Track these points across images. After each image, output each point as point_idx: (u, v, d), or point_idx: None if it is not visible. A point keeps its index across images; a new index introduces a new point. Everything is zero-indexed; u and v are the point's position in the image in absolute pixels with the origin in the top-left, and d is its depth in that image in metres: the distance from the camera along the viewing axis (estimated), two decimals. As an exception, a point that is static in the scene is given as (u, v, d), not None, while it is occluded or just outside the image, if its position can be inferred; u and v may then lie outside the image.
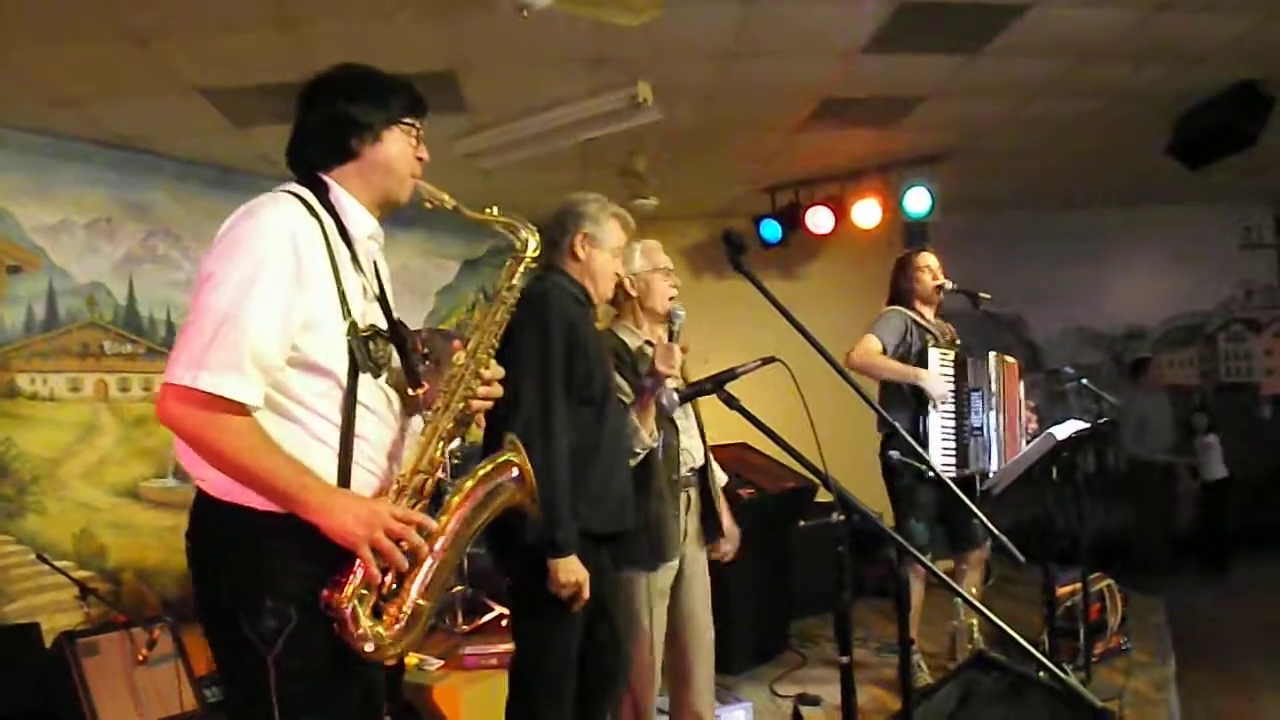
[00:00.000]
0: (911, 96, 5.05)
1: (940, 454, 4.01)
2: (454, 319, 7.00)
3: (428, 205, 1.91)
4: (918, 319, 4.24)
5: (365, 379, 1.74)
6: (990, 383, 4.09)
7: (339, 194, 1.80)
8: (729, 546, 3.28)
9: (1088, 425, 3.92)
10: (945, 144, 5.91)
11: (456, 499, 1.79)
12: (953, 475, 3.94)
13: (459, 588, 4.40)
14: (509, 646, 3.80)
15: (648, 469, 2.90)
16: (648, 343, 3.09)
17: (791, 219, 6.69)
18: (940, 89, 4.90)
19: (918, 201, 6.15)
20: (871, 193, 6.37)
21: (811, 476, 2.11)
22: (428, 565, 1.70)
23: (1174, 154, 5.31)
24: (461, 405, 1.83)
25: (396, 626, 1.67)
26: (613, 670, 2.82)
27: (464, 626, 4.30)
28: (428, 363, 2.00)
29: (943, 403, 4.00)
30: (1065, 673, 3.66)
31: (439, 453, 1.79)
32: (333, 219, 1.76)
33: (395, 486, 1.74)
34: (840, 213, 6.49)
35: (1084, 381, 4.42)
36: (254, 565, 1.62)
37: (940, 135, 5.74)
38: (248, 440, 1.59)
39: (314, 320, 1.67)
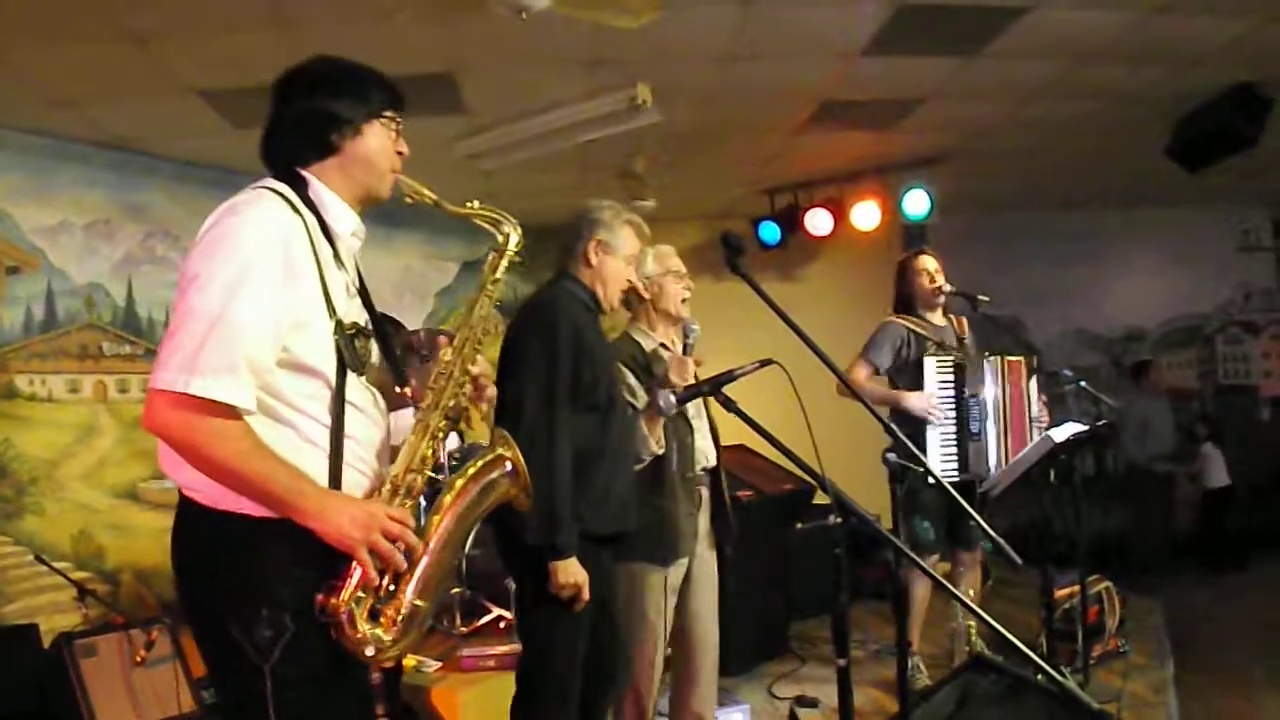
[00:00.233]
0: (910, 98, 5.05)
1: (940, 460, 4.05)
2: (453, 320, 7.00)
3: (408, 200, 1.88)
4: (915, 327, 4.25)
5: (352, 378, 1.71)
6: (987, 388, 4.09)
7: (319, 190, 1.76)
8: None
9: (1086, 428, 3.92)
10: (944, 146, 5.92)
11: (450, 497, 1.78)
12: (954, 480, 3.96)
13: (457, 590, 4.40)
14: (507, 648, 3.82)
15: (661, 467, 2.95)
16: (662, 345, 3.15)
17: (790, 221, 6.69)
18: (939, 91, 4.91)
19: (916, 203, 6.16)
20: (870, 195, 6.37)
21: (809, 479, 2.11)
22: (424, 566, 1.69)
23: (1172, 156, 5.31)
24: (452, 403, 1.82)
25: (395, 628, 1.65)
26: (611, 672, 2.85)
27: (462, 628, 4.29)
28: (427, 362, 2.00)
29: (932, 418, 4.06)
30: (1063, 675, 3.66)
31: (430, 450, 1.77)
32: (314, 215, 1.72)
33: (389, 486, 1.72)
34: (839, 215, 6.49)
35: (1082, 384, 4.41)
36: (248, 573, 1.59)
37: (939, 137, 5.75)
38: (241, 445, 1.55)
39: (302, 320, 1.64)
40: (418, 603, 1.68)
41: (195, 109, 4.49)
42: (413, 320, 6.29)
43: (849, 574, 2.10)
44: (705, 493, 3.22)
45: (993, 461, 4.05)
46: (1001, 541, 2.32)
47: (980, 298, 4.32)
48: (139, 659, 3.58)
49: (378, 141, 1.82)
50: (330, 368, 1.68)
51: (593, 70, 4.40)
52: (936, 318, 4.33)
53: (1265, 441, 7.76)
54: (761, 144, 5.79)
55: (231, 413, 1.55)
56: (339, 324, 1.69)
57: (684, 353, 2.97)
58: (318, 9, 3.64)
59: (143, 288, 5.22)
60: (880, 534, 2.08)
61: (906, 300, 4.35)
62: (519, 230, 1.97)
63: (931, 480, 2.92)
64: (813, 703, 4.15)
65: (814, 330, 2.29)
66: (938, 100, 5.03)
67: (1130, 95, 4.95)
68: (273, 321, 1.59)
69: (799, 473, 2.15)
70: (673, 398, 2.43)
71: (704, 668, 3.24)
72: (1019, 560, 2.38)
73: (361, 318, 1.80)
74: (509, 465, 1.89)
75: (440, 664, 3.88)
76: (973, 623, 4.22)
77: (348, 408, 1.70)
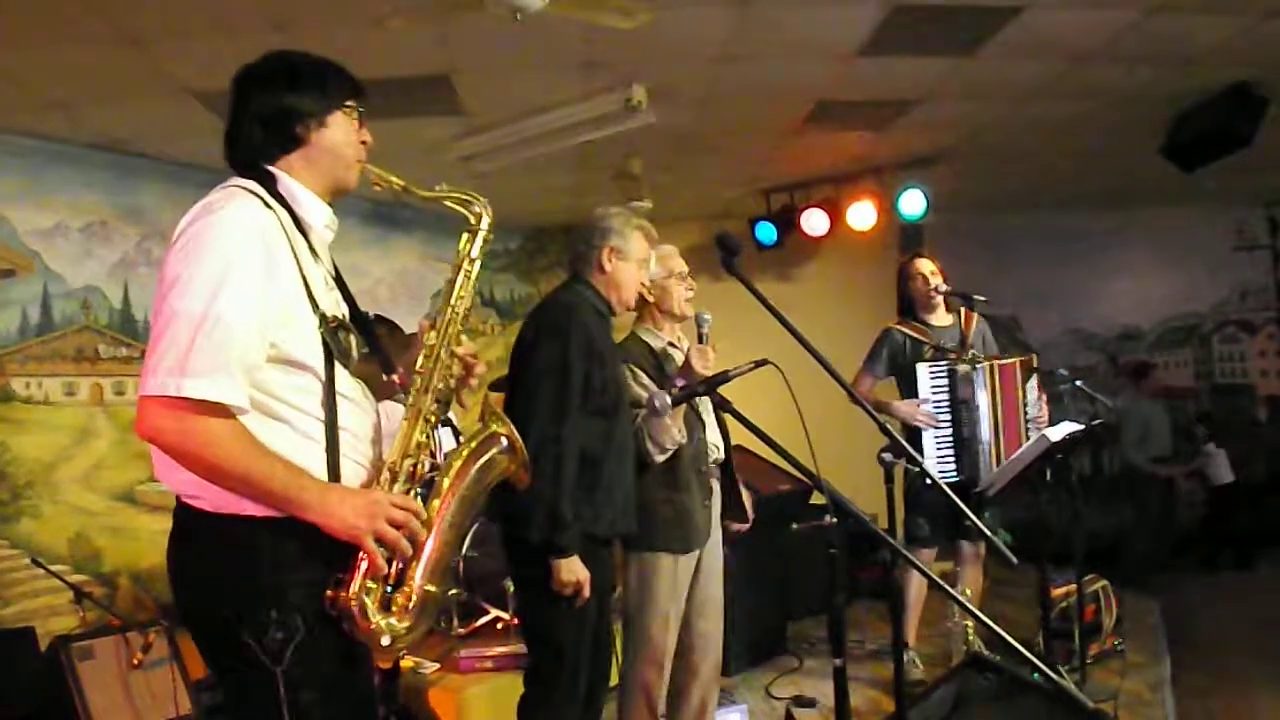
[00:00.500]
0: (906, 99, 5.05)
1: (935, 462, 4.13)
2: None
3: (376, 188, 1.88)
4: (913, 332, 4.34)
5: (341, 370, 1.71)
6: (979, 394, 4.12)
7: (289, 184, 1.76)
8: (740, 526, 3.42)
9: (1082, 427, 3.94)
10: (940, 146, 5.92)
11: (448, 481, 1.78)
12: (950, 480, 4.01)
13: (454, 591, 4.40)
14: (505, 649, 3.83)
15: (675, 461, 3.02)
16: (670, 344, 3.22)
17: (787, 221, 6.69)
18: (935, 91, 4.91)
19: (912, 204, 6.16)
20: (866, 195, 6.37)
21: (805, 479, 2.11)
22: (430, 550, 1.69)
23: (1168, 156, 5.31)
24: (441, 385, 1.82)
25: (407, 616, 1.65)
26: (606, 671, 2.90)
27: (460, 629, 4.29)
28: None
29: (921, 424, 4.15)
30: (1060, 674, 3.66)
31: (424, 435, 1.77)
32: (286, 210, 1.71)
33: (387, 474, 1.72)
34: (835, 215, 6.49)
35: (1079, 383, 4.43)
36: (255, 576, 1.58)
37: (935, 137, 5.75)
38: (238, 445, 1.54)
39: (287, 315, 1.63)
40: (428, 588, 1.68)
41: (191, 111, 4.48)
42: (409, 323, 6.28)
43: (845, 574, 2.10)
44: (716, 486, 3.27)
45: (983, 465, 4.10)
46: (997, 540, 2.33)
47: (977, 298, 4.36)
48: (136, 662, 3.58)
49: (342, 132, 1.82)
50: (318, 361, 1.68)
51: (589, 72, 4.40)
52: (938, 318, 4.39)
53: (1263, 441, 7.76)
54: (757, 145, 5.79)
55: (225, 413, 1.54)
56: (323, 317, 1.69)
57: (700, 341, 3.01)
58: (313, 10, 3.64)
59: (139, 290, 5.20)
60: (876, 534, 2.08)
61: (908, 304, 4.45)
62: (489, 210, 1.97)
63: (929, 481, 2.95)
64: (810, 703, 4.16)
65: (811, 330, 2.30)
66: (933, 100, 5.03)
67: (1126, 95, 4.96)
68: (258, 318, 1.58)
69: (795, 473, 2.15)
70: (668, 398, 2.45)
71: (708, 660, 3.27)
72: (1014, 560, 2.39)
73: (341, 309, 1.79)
74: (505, 441, 1.88)
75: (438, 665, 3.88)
76: (970, 622, 4.23)
77: (339, 400, 1.70)
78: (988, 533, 2.37)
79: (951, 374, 4.16)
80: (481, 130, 5.03)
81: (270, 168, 1.77)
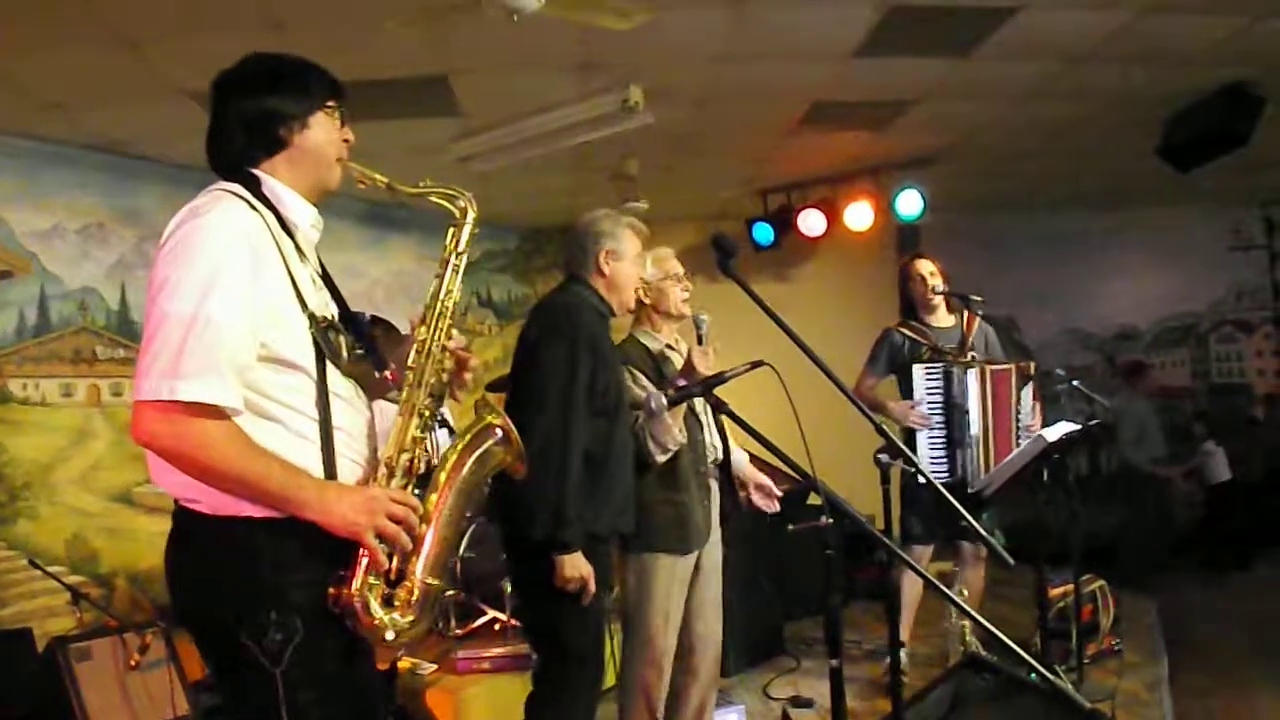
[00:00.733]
0: (902, 99, 5.06)
1: (929, 461, 4.14)
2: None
3: (360, 185, 1.89)
4: (912, 333, 4.35)
5: (332, 368, 1.71)
6: (970, 398, 4.14)
7: (273, 185, 1.76)
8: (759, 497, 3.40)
9: (1079, 427, 3.94)
10: (936, 146, 5.93)
11: (444, 474, 1.78)
12: (943, 481, 4.02)
13: (451, 592, 4.40)
14: (502, 650, 3.83)
15: (675, 462, 3.03)
16: (668, 346, 3.23)
17: (784, 222, 6.70)
18: (931, 92, 4.92)
19: (909, 204, 6.18)
20: (863, 195, 6.39)
21: (802, 480, 2.12)
22: (430, 543, 1.70)
23: (1164, 156, 5.32)
24: (434, 379, 1.82)
25: (410, 610, 1.66)
26: (599, 673, 2.88)
27: (457, 630, 4.29)
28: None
29: (914, 425, 4.18)
30: (1057, 674, 3.67)
31: (419, 430, 1.78)
32: (271, 212, 1.72)
33: (384, 469, 1.73)
34: (832, 215, 6.51)
35: (1075, 383, 4.44)
36: (254, 578, 1.58)
37: (931, 138, 5.76)
38: (234, 446, 1.55)
39: (276, 315, 1.64)
40: (430, 581, 1.69)
41: (188, 113, 4.46)
42: (405, 324, 6.28)
43: (842, 575, 2.10)
44: (714, 486, 3.28)
45: (972, 467, 4.12)
46: (992, 541, 2.33)
47: (975, 299, 4.36)
48: (133, 663, 3.57)
49: (324, 132, 1.81)
50: (309, 361, 1.68)
51: (585, 72, 4.41)
52: (939, 319, 4.39)
53: (1260, 440, 7.77)
54: (754, 145, 5.80)
55: (220, 414, 1.54)
56: (311, 317, 1.69)
57: (699, 343, 3.03)
58: (310, 11, 3.64)
59: (136, 292, 5.20)
60: (872, 534, 2.08)
61: (909, 305, 4.47)
62: (474, 204, 1.96)
63: (922, 480, 2.95)
64: (807, 703, 4.16)
65: (807, 331, 2.30)
66: (930, 101, 5.04)
67: (1122, 95, 4.96)
68: (248, 318, 1.58)
69: (792, 474, 2.15)
70: (664, 399, 2.47)
71: (706, 662, 3.28)
72: (1010, 560, 2.39)
73: (331, 309, 1.80)
74: (500, 432, 1.88)
75: (435, 666, 3.88)
76: (967, 622, 4.23)
77: (332, 398, 1.71)
78: (982, 533, 2.36)
79: (946, 375, 4.17)
80: (479, 131, 5.04)
81: (254, 170, 1.76)
